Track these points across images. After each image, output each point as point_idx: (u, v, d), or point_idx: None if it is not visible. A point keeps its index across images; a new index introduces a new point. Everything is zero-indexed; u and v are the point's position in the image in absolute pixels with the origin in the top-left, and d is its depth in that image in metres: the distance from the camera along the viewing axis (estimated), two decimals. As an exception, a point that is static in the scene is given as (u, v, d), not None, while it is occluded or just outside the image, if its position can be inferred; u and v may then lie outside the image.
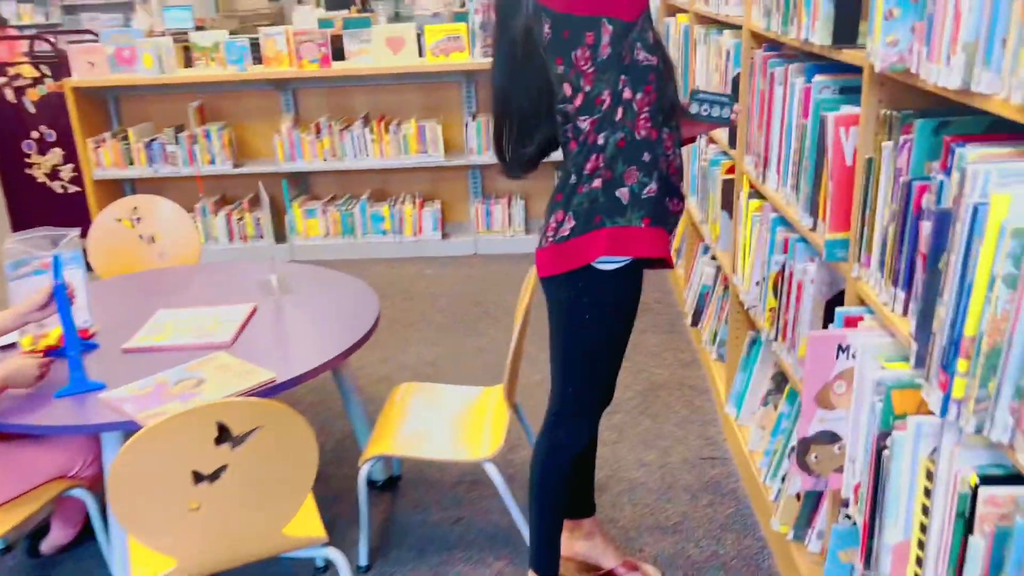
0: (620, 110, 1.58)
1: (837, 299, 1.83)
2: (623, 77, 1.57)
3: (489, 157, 4.56)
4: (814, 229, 1.81)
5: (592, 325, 1.73)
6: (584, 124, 1.61)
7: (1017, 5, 0.97)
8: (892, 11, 1.24)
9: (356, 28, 4.59)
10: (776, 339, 2.10)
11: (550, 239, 1.69)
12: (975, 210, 0.98)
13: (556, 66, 1.61)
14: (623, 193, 1.61)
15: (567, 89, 1.61)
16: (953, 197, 1.05)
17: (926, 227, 1.16)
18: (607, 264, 1.65)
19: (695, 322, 3.40)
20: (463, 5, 12.10)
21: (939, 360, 1.09)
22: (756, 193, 2.38)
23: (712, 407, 2.93)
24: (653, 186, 1.62)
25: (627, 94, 1.58)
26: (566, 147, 1.69)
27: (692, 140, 1.85)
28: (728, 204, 2.75)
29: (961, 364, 1.04)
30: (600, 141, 1.60)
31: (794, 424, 2.17)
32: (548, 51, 1.61)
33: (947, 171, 1.17)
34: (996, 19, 1.02)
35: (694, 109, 1.67)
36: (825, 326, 1.86)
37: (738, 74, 2.50)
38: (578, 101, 1.60)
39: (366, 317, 2.26)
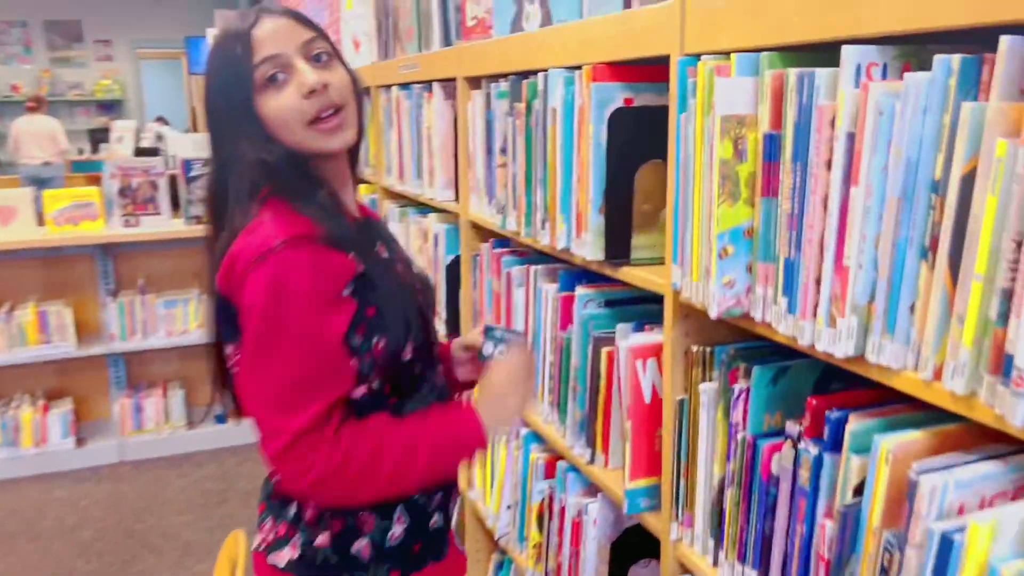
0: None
1: (626, 537, 1.58)
2: None
3: (136, 343, 3.81)
4: (592, 462, 1.56)
5: None
6: None
7: (938, 270, 0.79)
8: (727, 249, 1.04)
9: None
10: (546, 580, 1.79)
11: (267, 550, 1.21)
12: (943, 540, 0.75)
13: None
14: (361, 547, 1.19)
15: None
16: (904, 514, 0.82)
17: (828, 528, 0.92)
18: None
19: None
20: (81, 152, 10.84)
21: None
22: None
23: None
24: (396, 530, 1.21)
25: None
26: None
27: (472, 385, 1.47)
28: (449, 402, 2.44)
29: None
30: None
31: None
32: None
33: (825, 444, 0.96)
34: (899, 282, 0.84)
35: (488, 350, 1.29)
36: (612, 572, 1.59)
37: (454, 259, 2.25)
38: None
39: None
